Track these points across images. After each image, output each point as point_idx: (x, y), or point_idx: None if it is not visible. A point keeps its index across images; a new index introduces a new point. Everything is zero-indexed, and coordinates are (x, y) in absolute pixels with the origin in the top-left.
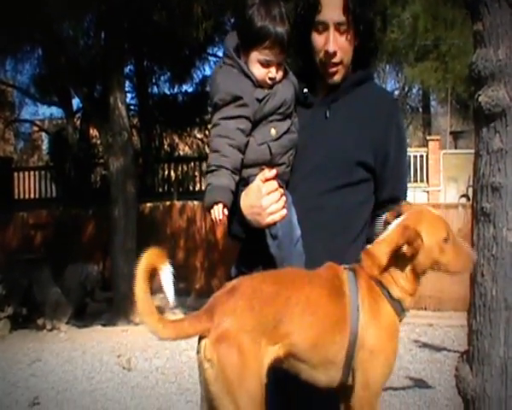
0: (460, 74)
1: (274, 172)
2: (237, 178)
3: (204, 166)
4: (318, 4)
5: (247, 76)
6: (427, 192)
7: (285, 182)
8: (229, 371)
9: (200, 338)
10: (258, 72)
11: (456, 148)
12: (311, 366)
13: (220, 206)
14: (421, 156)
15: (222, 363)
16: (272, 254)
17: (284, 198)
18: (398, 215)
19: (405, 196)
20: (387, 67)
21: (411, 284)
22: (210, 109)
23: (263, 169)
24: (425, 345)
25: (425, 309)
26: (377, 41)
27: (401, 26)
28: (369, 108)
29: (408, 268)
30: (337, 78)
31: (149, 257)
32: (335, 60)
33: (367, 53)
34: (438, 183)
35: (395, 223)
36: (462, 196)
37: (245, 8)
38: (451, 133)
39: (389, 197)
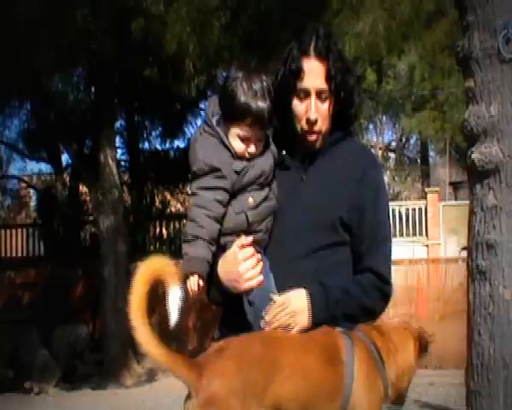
0: (458, 123)
1: (250, 238)
2: (214, 248)
3: None
4: (301, 71)
5: (226, 147)
6: (427, 246)
7: (263, 248)
8: None
9: (187, 397)
10: (238, 146)
11: (456, 199)
12: None
13: (196, 277)
14: (420, 209)
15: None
16: (249, 321)
17: (261, 264)
18: None
19: (385, 267)
20: (384, 117)
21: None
22: (189, 176)
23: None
24: (426, 405)
25: (425, 367)
26: (357, 107)
27: (397, 76)
28: (346, 166)
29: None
30: (316, 145)
31: (156, 265)
32: (316, 128)
33: (347, 119)
34: (437, 236)
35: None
36: (463, 248)
37: (227, 79)
38: (451, 184)
39: (367, 267)
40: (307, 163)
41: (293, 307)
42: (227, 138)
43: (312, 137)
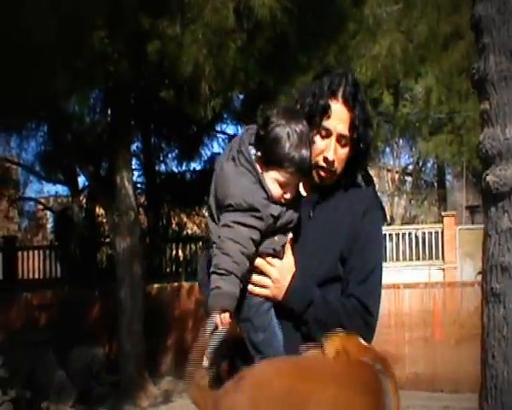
0: (475, 147)
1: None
2: (241, 287)
3: None
4: (329, 110)
5: (263, 188)
6: (443, 270)
7: None
8: None
9: None
10: (275, 191)
11: (473, 223)
12: None
13: (227, 315)
14: (437, 233)
15: None
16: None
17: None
18: None
19: (370, 299)
20: (401, 141)
21: None
22: (211, 199)
23: None
24: None
25: (441, 391)
26: (370, 158)
27: (414, 99)
28: (350, 209)
29: None
30: (327, 182)
31: None
32: (331, 168)
33: (359, 167)
34: (454, 260)
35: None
36: (480, 273)
37: (269, 123)
38: (468, 208)
39: (352, 295)
40: (315, 201)
41: (280, 273)
42: (264, 180)
43: (325, 175)
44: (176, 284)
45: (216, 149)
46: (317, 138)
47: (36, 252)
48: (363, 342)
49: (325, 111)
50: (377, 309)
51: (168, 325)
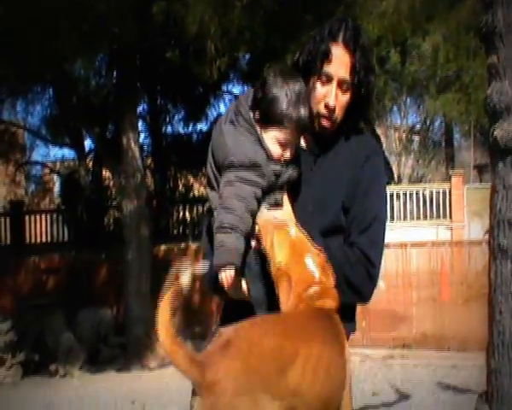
0: (483, 104)
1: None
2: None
3: None
4: (329, 53)
5: (263, 148)
6: (451, 229)
7: None
8: None
9: (193, 393)
10: (275, 150)
11: (480, 182)
12: None
13: (232, 270)
14: (444, 192)
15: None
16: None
17: None
18: None
19: (372, 250)
20: (408, 99)
21: None
22: (209, 166)
23: None
24: (448, 387)
25: (448, 350)
26: (371, 103)
27: (421, 57)
28: (351, 154)
29: None
30: (327, 130)
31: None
32: (333, 115)
33: (360, 115)
34: (461, 219)
35: None
36: (488, 232)
37: (267, 84)
38: (476, 167)
39: (350, 241)
40: (318, 151)
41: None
42: (264, 140)
43: (326, 123)
44: (183, 245)
45: (222, 109)
46: (318, 85)
47: (43, 216)
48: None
49: (326, 56)
50: (380, 259)
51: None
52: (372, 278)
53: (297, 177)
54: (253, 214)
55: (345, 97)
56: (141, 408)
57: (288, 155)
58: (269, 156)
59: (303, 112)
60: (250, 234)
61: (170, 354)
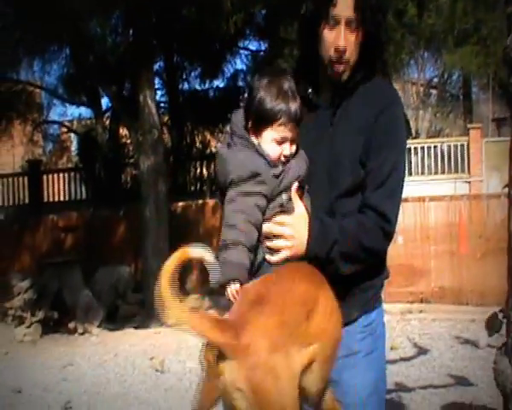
0: (502, 56)
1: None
2: (252, 257)
3: None
4: None
5: (262, 155)
6: (469, 183)
7: None
8: (266, 401)
9: (221, 358)
10: (273, 150)
11: (499, 135)
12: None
13: (237, 285)
14: (462, 146)
15: (257, 394)
16: None
17: None
18: None
19: (387, 205)
20: (425, 53)
21: None
22: (218, 193)
23: None
24: (467, 341)
25: (467, 304)
26: (383, 44)
27: (439, 9)
28: (367, 105)
29: None
30: (343, 76)
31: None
32: (344, 57)
33: (372, 54)
34: (480, 173)
35: None
36: (506, 185)
37: (253, 91)
38: (494, 120)
39: (369, 205)
40: (336, 105)
41: (294, 229)
42: (260, 147)
43: (340, 68)
44: (200, 201)
45: (239, 65)
46: (326, 31)
47: (61, 175)
48: None
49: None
50: (396, 213)
51: (193, 242)
52: (388, 235)
53: (305, 174)
54: (257, 224)
55: (354, 36)
56: (159, 364)
57: (286, 151)
58: (268, 161)
59: (292, 103)
60: (256, 245)
61: (193, 328)
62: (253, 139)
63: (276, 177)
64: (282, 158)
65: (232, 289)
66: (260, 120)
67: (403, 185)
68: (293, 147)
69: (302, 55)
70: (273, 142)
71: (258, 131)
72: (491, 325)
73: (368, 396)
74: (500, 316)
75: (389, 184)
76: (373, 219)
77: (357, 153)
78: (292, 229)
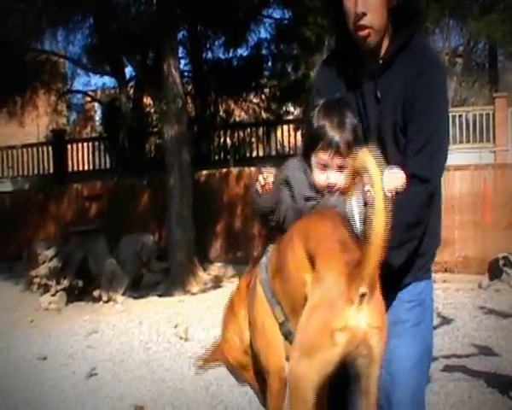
0: None
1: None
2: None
3: (261, 131)
4: None
5: (307, 176)
6: (494, 152)
7: None
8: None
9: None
10: (318, 177)
11: None
12: None
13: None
14: (488, 115)
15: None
16: None
17: None
18: None
19: (429, 170)
20: (450, 22)
21: None
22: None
23: None
24: (491, 311)
25: None
26: (418, 10)
27: None
28: (404, 74)
29: None
30: (370, 40)
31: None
32: (364, 22)
33: (405, 14)
34: (505, 142)
35: None
36: None
37: (309, 112)
38: None
39: (411, 173)
40: (377, 78)
41: None
42: (310, 172)
43: (364, 33)
44: (224, 170)
45: (262, 34)
46: (346, 2)
47: (85, 144)
48: None
49: None
50: (439, 171)
51: (217, 211)
52: (432, 194)
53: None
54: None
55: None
56: (183, 332)
57: (331, 179)
58: (311, 183)
59: (333, 132)
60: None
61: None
62: (304, 162)
63: (306, 199)
64: (328, 187)
65: (264, 175)
66: (307, 142)
67: (446, 148)
68: (342, 178)
69: (336, 33)
70: (317, 168)
71: (308, 154)
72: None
73: (411, 368)
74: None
75: (429, 149)
76: (415, 191)
77: (397, 125)
78: None
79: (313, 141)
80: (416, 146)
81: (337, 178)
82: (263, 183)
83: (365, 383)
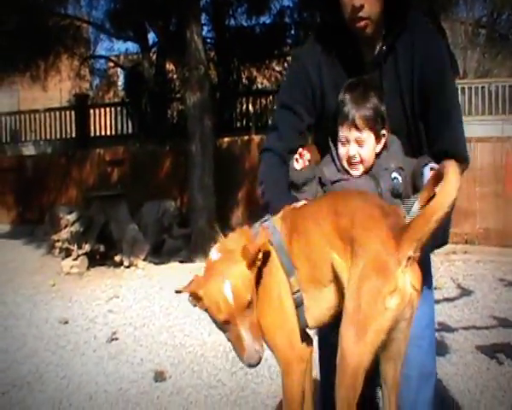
0: None
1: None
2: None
3: None
4: None
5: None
6: None
7: None
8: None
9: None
10: (340, 150)
11: None
12: None
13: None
14: (511, 86)
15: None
16: None
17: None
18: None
19: (460, 144)
20: None
21: None
22: None
23: None
24: (511, 284)
25: (511, 247)
26: None
27: None
28: (409, 53)
29: None
30: (368, 31)
31: None
32: (363, 14)
33: (400, 4)
34: None
35: None
36: None
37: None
38: None
39: (442, 150)
40: (380, 63)
41: None
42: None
43: (361, 24)
44: (246, 137)
45: (286, 1)
46: None
47: (107, 109)
48: None
49: None
50: (466, 146)
51: (239, 178)
52: (468, 161)
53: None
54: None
55: None
56: None
57: (351, 152)
58: (338, 167)
59: (352, 106)
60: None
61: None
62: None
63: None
64: (349, 159)
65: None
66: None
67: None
68: (363, 152)
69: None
70: (339, 141)
71: (336, 132)
72: None
73: (424, 328)
74: None
75: (456, 125)
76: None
77: (408, 109)
78: None
79: (336, 116)
80: (443, 125)
81: (356, 151)
82: (299, 158)
83: (398, 346)
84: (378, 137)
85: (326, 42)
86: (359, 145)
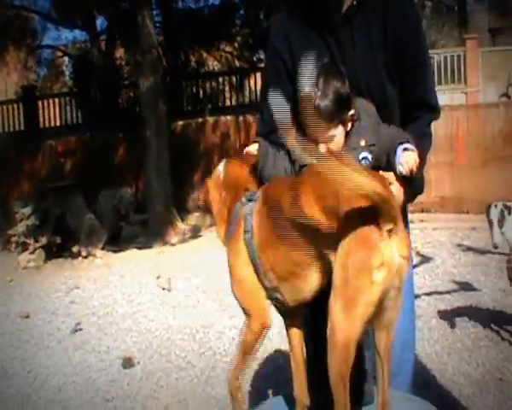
0: None
1: None
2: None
3: (234, 80)
4: None
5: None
6: (466, 93)
7: None
8: None
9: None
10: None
11: (494, 45)
12: None
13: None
14: (459, 56)
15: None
16: None
17: None
18: None
19: (432, 92)
20: None
21: None
22: None
23: None
24: (469, 249)
25: (467, 213)
26: None
27: None
28: (383, 11)
29: None
30: None
31: None
32: None
33: None
34: (476, 83)
35: None
36: (503, 95)
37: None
38: (490, 30)
39: (417, 100)
40: (350, 21)
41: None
42: None
43: None
44: (200, 119)
45: None
46: None
47: (56, 100)
48: None
49: None
50: (437, 96)
51: (194, 160)
52: (438, 112)
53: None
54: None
55: None
56: (166, 282)
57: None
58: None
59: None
60: None
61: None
62: None
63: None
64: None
65: None
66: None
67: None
68: (330, 144)
69: None
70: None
71: None
72: None
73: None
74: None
75: (429, 77)
76: (429, 115)
77: (381, 66)
78: None
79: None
80: (418, 76)
81: (325, 148)
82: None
83: (390, 315)
84: (345, 122)
85: (293, 8)
86: (329, 142)
